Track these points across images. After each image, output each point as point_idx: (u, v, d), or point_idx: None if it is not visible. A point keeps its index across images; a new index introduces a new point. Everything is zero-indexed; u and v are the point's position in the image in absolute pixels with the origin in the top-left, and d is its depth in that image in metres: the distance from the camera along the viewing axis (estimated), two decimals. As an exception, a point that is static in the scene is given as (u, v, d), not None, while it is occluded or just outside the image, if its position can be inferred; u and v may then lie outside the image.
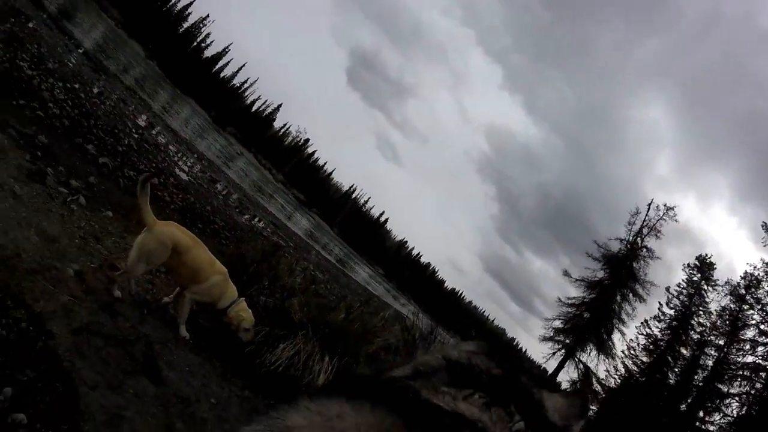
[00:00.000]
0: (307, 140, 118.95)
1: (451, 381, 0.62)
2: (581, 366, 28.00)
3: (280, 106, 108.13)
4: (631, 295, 27.94)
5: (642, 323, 27.97)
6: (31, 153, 5.45)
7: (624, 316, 28.02)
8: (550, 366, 28.63)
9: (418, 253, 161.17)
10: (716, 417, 24.11)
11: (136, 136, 11.96)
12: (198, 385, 3.29)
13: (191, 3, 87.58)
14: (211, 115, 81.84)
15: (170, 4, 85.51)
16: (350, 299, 11.88)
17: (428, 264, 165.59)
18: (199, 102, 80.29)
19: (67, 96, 8.84)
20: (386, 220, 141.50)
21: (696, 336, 26.52)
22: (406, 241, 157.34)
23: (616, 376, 27.78)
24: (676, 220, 28.24)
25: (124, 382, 2.69)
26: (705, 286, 26.86)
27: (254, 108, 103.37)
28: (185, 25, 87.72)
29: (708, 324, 26.27)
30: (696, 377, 25.62)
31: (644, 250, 28.02)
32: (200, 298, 4.09)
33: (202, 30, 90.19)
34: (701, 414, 24.58)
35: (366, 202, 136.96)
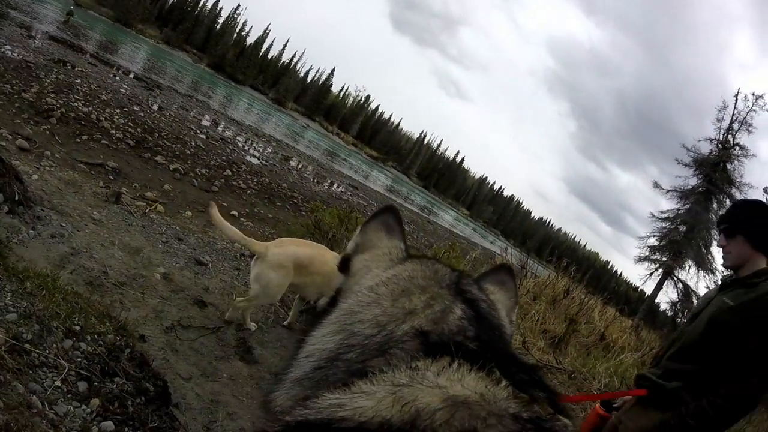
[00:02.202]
0: (368, 97, 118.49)
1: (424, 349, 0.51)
2: (680, 285, 26.01)
3: (333, 70, 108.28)
4: (728, 200, 24.96)
5: (741, 231, 25.60)
6: (103, 179, 5.78)
7: (722, 226, 25.90)
8: (648, 288, 26.81)
9: (500, 187, 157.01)
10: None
11: (202, 136, 12.47)
12: (291, 356, 3.32)
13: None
14: (269, 97, 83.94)
15: (200, 6, 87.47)
16: (436, 246, 11.81)
17: (512, 196, 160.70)
18: (254, 88, 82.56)
19: (126, 119, 9.32)
20: (462, 159, 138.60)
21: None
22: (486, 177, 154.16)
23: (716, 293, 25.83)
24: (767, 110, 24.60)
25: (218, 368, 2.76)
26: (808, 184, 23.59)
27: (309, 78, 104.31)
28: (220, 21, 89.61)
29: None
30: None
31: (737, 148, 24.79)
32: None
33: (238, 20, 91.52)
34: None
35: (439, 144, 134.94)
